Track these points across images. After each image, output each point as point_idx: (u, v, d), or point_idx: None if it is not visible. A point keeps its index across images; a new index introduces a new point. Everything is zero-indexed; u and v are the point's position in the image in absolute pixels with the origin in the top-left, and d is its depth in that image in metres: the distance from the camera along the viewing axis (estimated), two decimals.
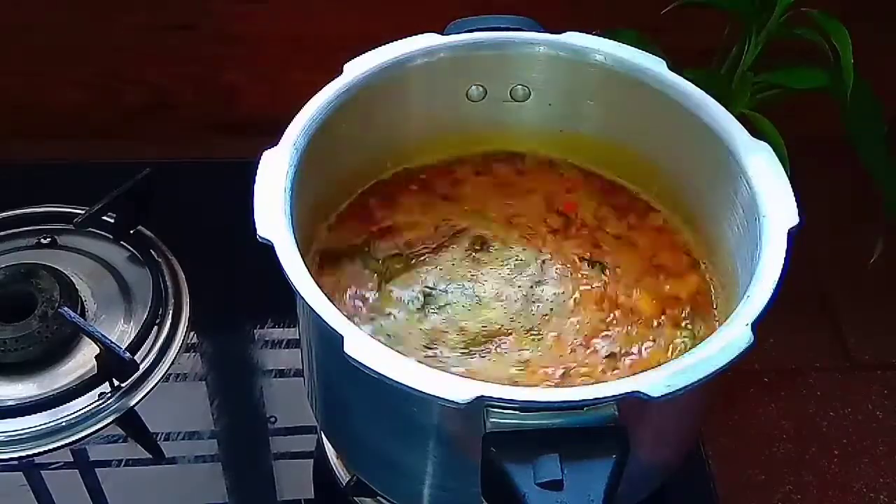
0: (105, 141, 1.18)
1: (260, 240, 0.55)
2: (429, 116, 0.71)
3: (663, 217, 0.70)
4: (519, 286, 0.65)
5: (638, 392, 0.49)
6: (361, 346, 0.51)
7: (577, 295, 0.65)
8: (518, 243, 0.68)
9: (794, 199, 0.59)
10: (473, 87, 0.71)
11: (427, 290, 0.65)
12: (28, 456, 0.74)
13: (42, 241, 0.87)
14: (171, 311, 0.83)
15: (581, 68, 0.69)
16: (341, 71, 0.65)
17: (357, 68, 0.66)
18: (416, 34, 0.68)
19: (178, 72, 1.22)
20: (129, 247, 0.86)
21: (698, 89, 0.66)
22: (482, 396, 0.49)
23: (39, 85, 1.20)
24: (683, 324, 0.64)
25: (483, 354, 0.62)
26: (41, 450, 0.74)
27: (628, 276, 0.66)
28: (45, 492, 0.73)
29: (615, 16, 1.05)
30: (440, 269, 0.66)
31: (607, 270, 0.67)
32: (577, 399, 0.50)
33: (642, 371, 0.54)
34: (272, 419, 0.78)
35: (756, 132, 0.63)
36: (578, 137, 0.72)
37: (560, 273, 0.66)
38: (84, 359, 0.78)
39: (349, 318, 0.53)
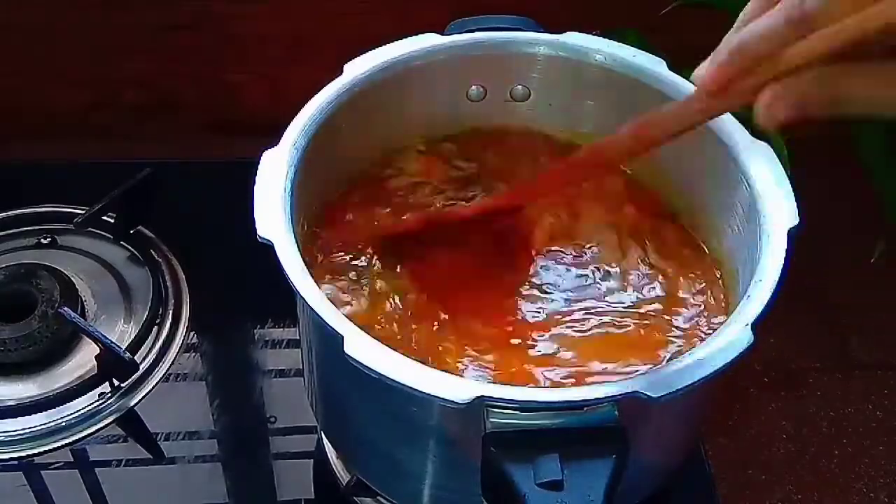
0: (105, 141, 1.18)
1: (260, 240, 0.55)
2: (429, 116, 0.71)
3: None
4: None
5: (638, 392, 0.49)
6: (361, 346, 0.51)
7: None
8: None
9: (794, 199, 0.59)
10: (473, 87, 0.71)
11: None
12: (28, 456, 0.74)
13: (42, 241, 0.87)
14: (171, 311, 0.83)
15: (581, 68, 0.69)
16: (341, 71, 0.65)
17: (357, 68, 0.66)
18: (416, 34, 0.68)
19: (178, 72, 1.21)
20: (129, 247, 0.86)
21: None
22: (482, 396, 0.49)
23: (39, 85, 1.19)
24: None
25: None
26: (41, 450, 0.74)
27: None
28: (45, 492, 0.73)
29: (615, 16, 1.05)
30: None
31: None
32: (577, 399, 0.50)
33: None
34: (272, 419, 0.78)
35: (756, 132, 0.63)
36: (578, 137, 0.72)
37: None
38: (84, 359, 0.78)
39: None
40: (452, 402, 0.49)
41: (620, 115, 0.69)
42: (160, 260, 0.86)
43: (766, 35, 0.42)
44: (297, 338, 0.81)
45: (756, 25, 0.42)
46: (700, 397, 0.62)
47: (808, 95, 0.41)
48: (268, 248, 0.55)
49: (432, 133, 0.72)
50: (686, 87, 0.66)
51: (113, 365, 0.76)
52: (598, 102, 0.70)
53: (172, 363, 0.80)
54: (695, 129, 0.50)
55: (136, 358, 0.77)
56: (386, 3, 1.16)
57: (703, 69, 0.46)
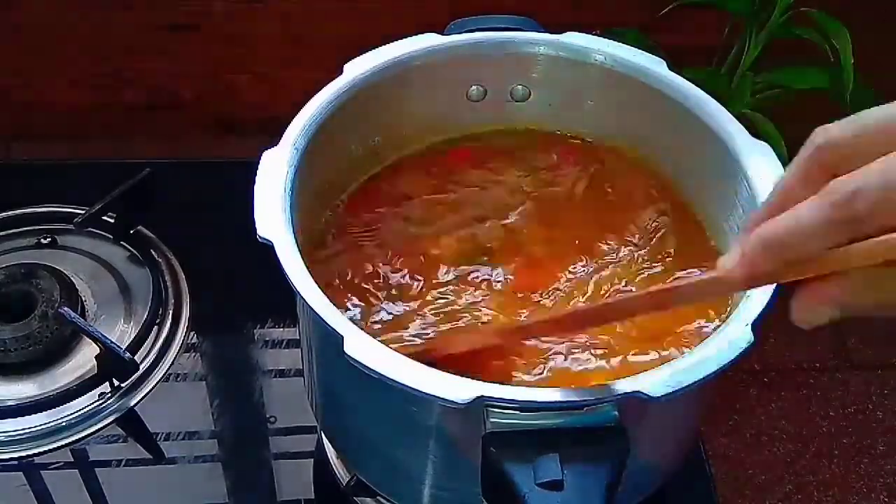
0: (105, 141, 1.19)
1: (260, 240, 0.55)
2: (429, 116, 0.71)
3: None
4: None
5: (638, 392, 0.49)
6: (361, 346, 0.51)
7: None
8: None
9: None
10: (473, 87, 0.71)
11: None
12: (28, 456, 0.74)
13: (42, 241, 0.87)
14: (171, 311, 0.83)
15: (581, 68, 0.69)
16: (341, 71, 0.65)
17: (357, 68, 0.66)
18: (416, 34, 0.68)
19: (178, 72, 1.22)
20: (129, 247, 0.86)
21: (698, 89, 0.66)
22: (482, 396, 0.49)
23: (39, 85, 1.20)
24: None
25: None
26: (41, 450, 0.74)
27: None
28: (45, 492, 0.73)
29: (615, 16, 1.05)
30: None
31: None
32: (577, 399, 0.50)
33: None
34: (272, 419, 0.78)
35: (756, 132, 0.63)
36: (578, 137, 0.72)
37: None
38: (84, 359, 0.78)
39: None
40: (452, 402, 0.49)
41: (620, 115, 0.70)
42: (160, 260, 0.86)
43: (808, 233, 0.36)
44: (297, 338, 0.81)
45: (797, 220, 0.36)
46: (700, 397, 0.62)
47: (854, 299, 0.37)
48: (268, 248, 0.55)
49: (432, 133, 0.72)
50: (686, 87, 0.66)
51: (113, 365, 0.76)
52: (598, 102, 0.70)
53: (172, 363, 0.80)
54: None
55: (136, 358, 0.77)
56: (386, 3, 1.16)
57: (731, 258, 0.40)
